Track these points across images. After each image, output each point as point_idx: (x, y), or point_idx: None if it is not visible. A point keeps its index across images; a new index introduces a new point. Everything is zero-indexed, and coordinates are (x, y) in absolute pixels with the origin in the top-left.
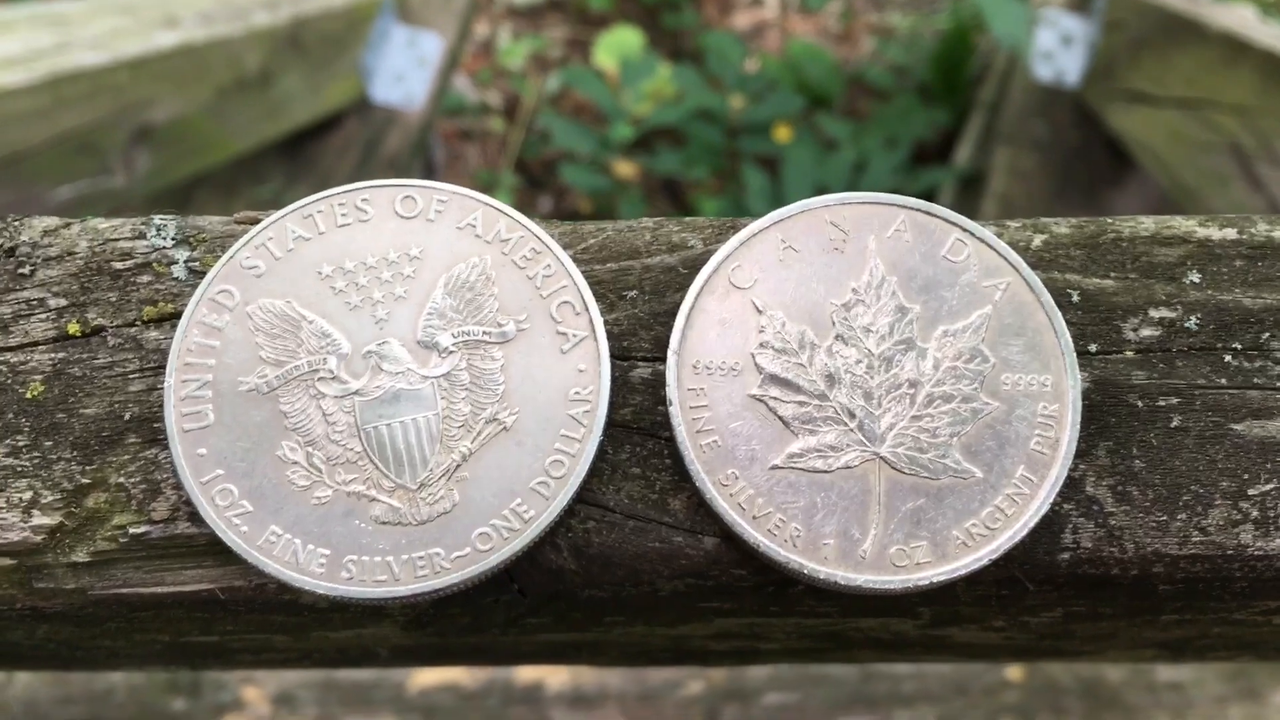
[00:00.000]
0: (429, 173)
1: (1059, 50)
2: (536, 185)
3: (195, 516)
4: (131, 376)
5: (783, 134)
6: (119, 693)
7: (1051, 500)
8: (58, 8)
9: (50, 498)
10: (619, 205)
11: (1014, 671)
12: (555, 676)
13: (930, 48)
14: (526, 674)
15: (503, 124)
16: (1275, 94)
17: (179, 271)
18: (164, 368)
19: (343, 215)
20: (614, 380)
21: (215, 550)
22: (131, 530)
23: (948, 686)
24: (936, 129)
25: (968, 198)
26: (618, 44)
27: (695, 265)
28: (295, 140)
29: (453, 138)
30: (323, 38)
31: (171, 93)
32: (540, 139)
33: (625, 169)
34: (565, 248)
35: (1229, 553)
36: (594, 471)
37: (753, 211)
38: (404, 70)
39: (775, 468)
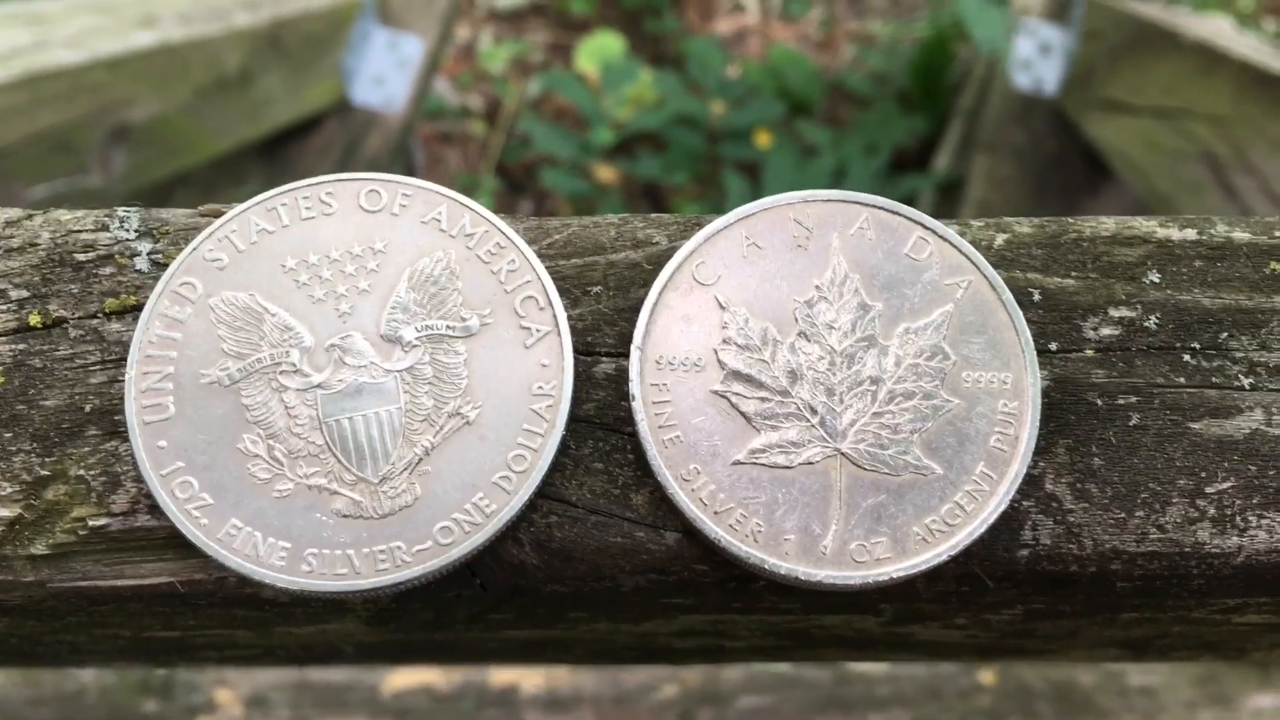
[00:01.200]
0: (409, 175)
1: (1037, 59)
2: (517, 189)
3: (155, 509)
4: (93, 368)
5: (763, 140)
6: (90, 694)
7: (1011, 497)
8: (34, 6)
9: (9, 489)
10: (599, 209)
11: (987, 675)
12: (530, 680)
13: (910, 55)
14: (501, 677)
15: (483, 127)
16: (1250, 104)
17: (141, 264)
18: (125, 360)
19: (307, 208)
20: (577, 375)
21: (175, 543)
22: (91, 523)
23: (921, 690)
24: (916, 136)
25: (946, 204)
26: (599, 49)
27: (659, 261)
28: (275, 141)
29: (433, 141)
30: (303, 39)
31: (150, 92)
32: (521, 143)
33: (606, 173)
34: (530, 243)
35: (1186, 550)
36: (556, 466)
37: None
38: (384, 72)
39: (737, 463)
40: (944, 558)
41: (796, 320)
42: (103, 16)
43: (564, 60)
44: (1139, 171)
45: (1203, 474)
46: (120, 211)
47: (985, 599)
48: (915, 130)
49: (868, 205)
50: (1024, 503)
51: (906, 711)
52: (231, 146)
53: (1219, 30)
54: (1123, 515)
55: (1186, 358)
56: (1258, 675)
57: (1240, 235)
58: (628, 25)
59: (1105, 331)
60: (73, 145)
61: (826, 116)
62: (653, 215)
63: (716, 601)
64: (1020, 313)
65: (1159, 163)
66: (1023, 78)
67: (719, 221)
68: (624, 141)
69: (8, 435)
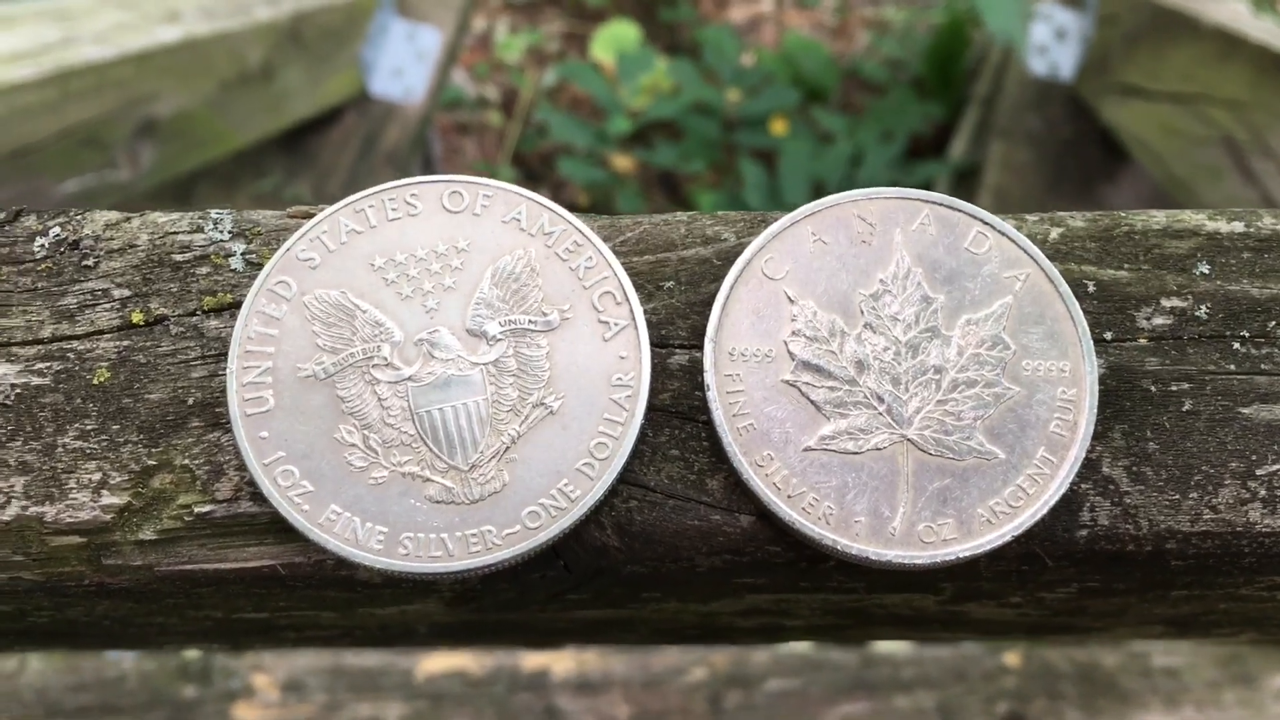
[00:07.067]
0: (427, 166)
1: (1053, 44)
2: (534, 178)
3: (258, 496)
4: (194, 363)
5: (779, 127)
6: (130, 679)
7: (1070, 480)
8: (61, 2)
9: (118, 479)
10: (616, 198)
11: (1011, 657)
12: (561, 663)
13: (925, 42)
14: (532, 661)
15: (500, 118)
16: (1268, 88)
17: (236, 263)
18: (224, 355)
19: (393, 209)
20: (653, 367)
21: (276, 528)
22: (196, 509)
23: (947, 672)
24: (931, 123)
25: (963, 191)
26: (614, 38)
27: (729, 257)
28: (295, 134)
29: (450, 131)
30: (323, 32)
31: (175, 87)
32: (538, 132)
33: (622, 162)
34: (605, 240)
35: (1238, 530)
36: (635, 453)
37: (749, 204)
38: (403, 64)
39: (808, 449)
40: (1007, 538)
41: (862, 313)
42: (128, 12)
43: (579, 50)
44: (1156, 157)
45: (1253, 456)
46: (214, 214)
47: (1043, 578)
48: (931, 116)
49: (929, 201)
50: (1083, 485)
51: (932, 693)
52: (253, 139)
53: (1235, 14)
54: (1177, 497)
55: (1236, 345)
56: None
57: None
58: (643, 14)
59: (1158, 321)
60: (101, 140)
61: (842, 103)
62: (720, 213)
63: (786, 581)
64: (1077, 303)
65: (1177, 148)
66: (1039, 63)
67: (786, 219)
68: (640, 130)
69: (115, 427)
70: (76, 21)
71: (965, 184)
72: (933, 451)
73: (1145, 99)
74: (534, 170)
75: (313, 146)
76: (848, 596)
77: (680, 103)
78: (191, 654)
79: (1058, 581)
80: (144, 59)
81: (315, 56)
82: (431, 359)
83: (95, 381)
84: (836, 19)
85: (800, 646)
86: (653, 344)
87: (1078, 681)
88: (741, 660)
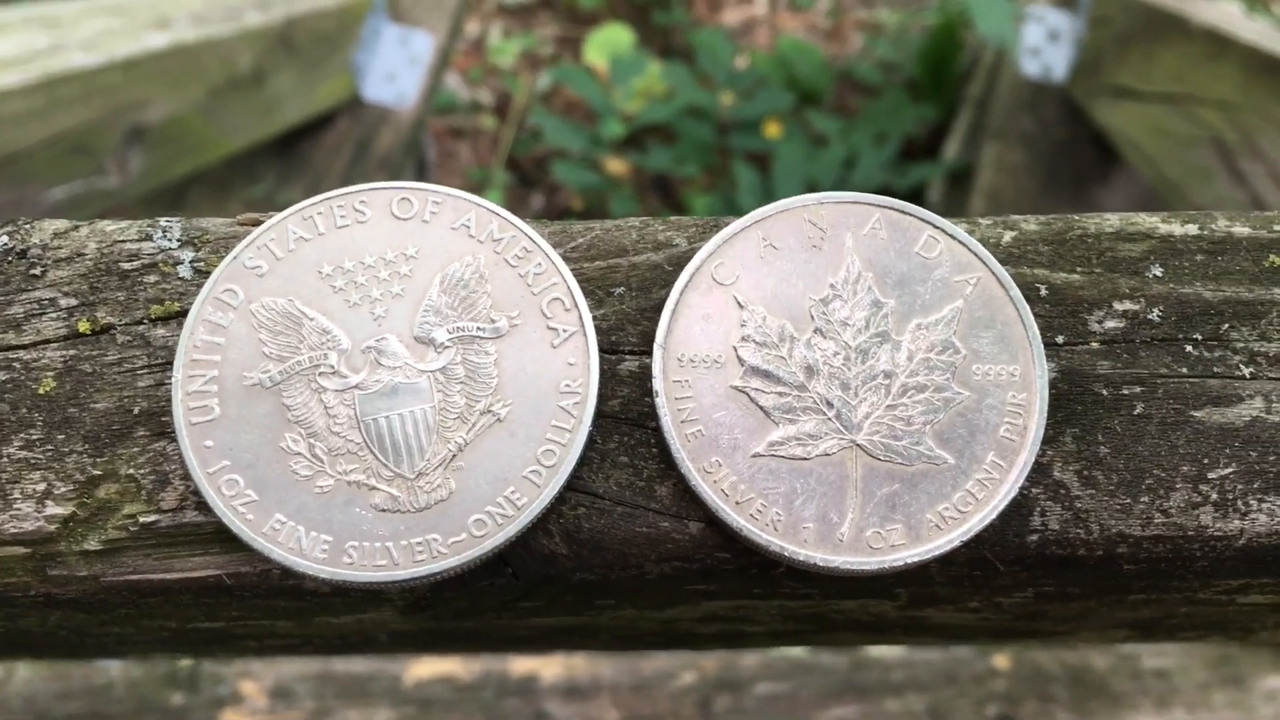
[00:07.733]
0: (421, 171)
1: (1046, 46)
2: (528, 183)
3: (203, 505)
4: (140, 372)
5: (773, 130)
6: (118, 687)
7: (1020, 484)
8: (49, 9)
9: (63, 489)
10: (610, 202)
11: (1001, 660)
12: (549, 669)
13: (918, 44)
14: (521, 666)
15: (494, 122)
16: (1257, 89)
17: (184, 271)
18: (171, 364)
19: (341, 217)
20: (602, 373)
21: (222, 538)
22: (141, 519)
23: (937, 675)
24: (925, 125)
25: (956, 193)
26: (608, 42)
27: (680, 263)
28: (288, 139)
29: (444, 136)
30: (315, 37)
31: (165, 93)
32: (532, 137)
33: (616, 166)
34: (555, 247)
35: (1189, 534)
36: (584, 460)
37: (743, 208)
38: (396, 69)
39: (757, 455)
40: (956, 543)
41: (812, 318)
42: (117, 18)
43: (573, 54)
44: (1147, 158)
45: (1205, 460)
46: (163, 221)
47: (996, 582)
48: (924, 118)
49: (880, 206)
50: (1033, 490)
51: (922, 696)
52: (245, 145)
53: (1226, 15)
54: (1128, 501)
55: (1189, 349)
56: (1271, 657)
57: (1240, 230)
58: (636, 18)
59: (1110, 324)
60: (90, 147)
61: (835, 106)
62: (672, 218)
63: (738, 587)
64: (1028, 307)
65: (1167, 149)
66: (1031, 65)
67: (736, 224)
68: (634, 134)
69: (60, 437)
70: (65, 28)
71: (959, 186)
72: (881, 457)
73: (1137, 100)
74: (528, 174)
75: (305, 152)
76: (803, 603)
77: (674, 106)
78: (180, 661)
79: (1012, 586)
80: (133, 65)
81: (307, 62)
82: (379, 366)
83: (41, 391)
84: (830, 21)
85: (790, 649)
86: (602, 350)
87: (1068, 684)
88: (731, 664)
